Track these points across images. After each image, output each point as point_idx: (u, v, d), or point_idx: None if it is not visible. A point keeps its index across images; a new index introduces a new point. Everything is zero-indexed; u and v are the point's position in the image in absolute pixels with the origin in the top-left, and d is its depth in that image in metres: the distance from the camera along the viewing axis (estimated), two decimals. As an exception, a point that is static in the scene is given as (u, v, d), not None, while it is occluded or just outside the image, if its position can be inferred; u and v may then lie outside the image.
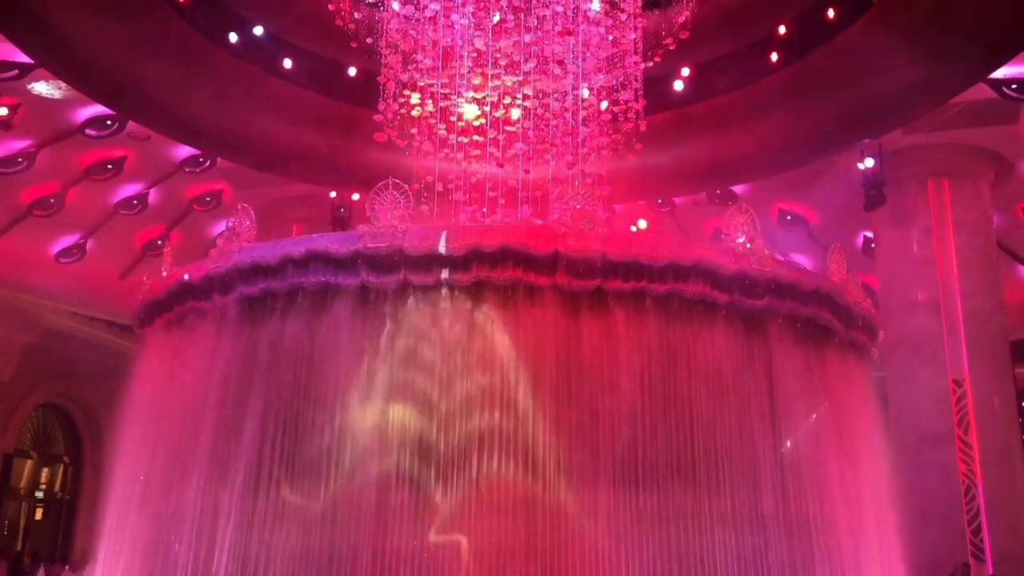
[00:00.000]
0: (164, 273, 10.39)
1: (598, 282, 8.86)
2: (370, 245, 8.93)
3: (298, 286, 9.21)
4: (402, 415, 8.68)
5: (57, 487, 25.29)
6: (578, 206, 9.13)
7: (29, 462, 24.52)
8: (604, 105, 12.92)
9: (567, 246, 8.82)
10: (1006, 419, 18.02)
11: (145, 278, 10.84)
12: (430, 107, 12.77)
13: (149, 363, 10.68)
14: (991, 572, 16.48)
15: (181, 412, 9.60)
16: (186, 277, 9.94)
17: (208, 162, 20.42)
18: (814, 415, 9.61)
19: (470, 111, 13.05)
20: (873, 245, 20.69)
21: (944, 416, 17.75)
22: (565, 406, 8.62)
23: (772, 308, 9.34)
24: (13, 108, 16.82)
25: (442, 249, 8.84)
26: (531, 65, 12.61)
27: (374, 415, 8.74)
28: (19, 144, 18.62)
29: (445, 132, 12.70)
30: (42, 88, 16.98)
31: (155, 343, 10.64)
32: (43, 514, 24.92)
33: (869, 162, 18.38)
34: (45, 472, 25.11)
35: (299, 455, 8.77)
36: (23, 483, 24.37)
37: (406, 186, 9.41)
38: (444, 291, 8.90)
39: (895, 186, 18.60)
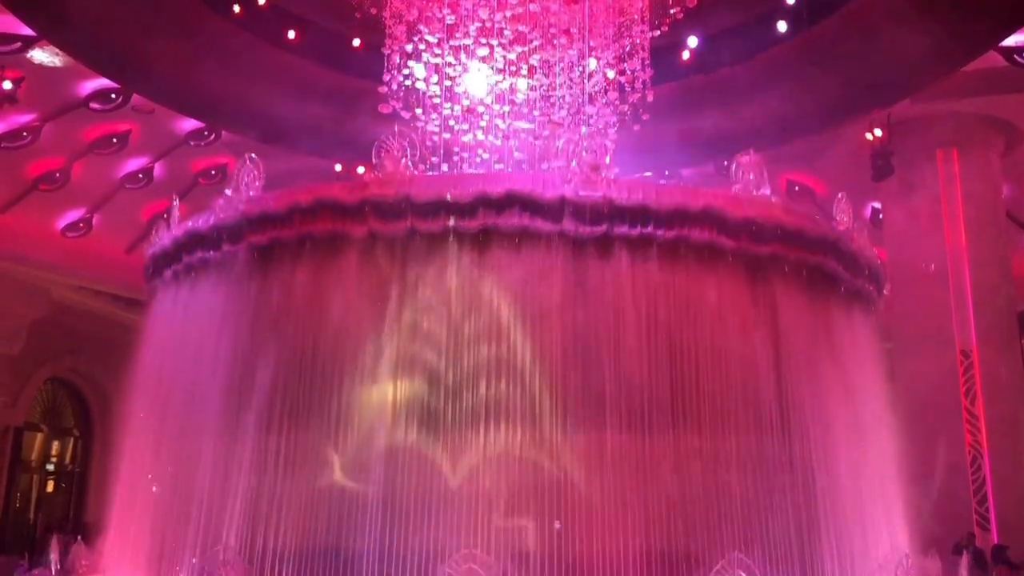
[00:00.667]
0: (174, 226, 10.40)
1: (604, 228, 8.84)
2: (377, 192, 8.94)
3: (306, 235, 9.22)
4: (411, 360, 8.73)
5: (68, 460, 25.51)
6: (584, 152, 9.10)
7: (39, 435, 24.71)
8: (611, 74, 12.84)
9: (573, 192, 8.80)
10: (1013, 390, 17.99)
11: (154, 232, 10.86)
12: (435, 82, 12.71)
13: (159, 316, 10.73)
14: (996, 542, 16.54)
15: (193, 363, 9.66)
16: (195, 227, 9.93)
17: (213, 135, 20.37)
18: (819, 362, 9.61)
19: (477, 83, 12.99)
20: (881, 216, 20.58)
21: (951, 387, 17.74)
22: (571, 351, 8.65)
23: (778, 255, 9.34)
24: (17, 82, 16.75)
25: (448, 196, 8.83)
26: (536, 38, 12.53)
27: (384, 360, 8.77)
28: (24, 118, 18.57)
29: (451, 109, 12.65)
30: (42, 56, 16.88)
31: (165, 296, 10.67)
32: (54, 486, 25.15)
33: (877, 132, 18.24)
34: (55, 445, 25.33)
35: (312, 401, 8.83)
36: (34, 456, 24.58)
37: (412, 135, 9.42)
38: (451, 238, 8.89)
39: (903, 157, 18.46)
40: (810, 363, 9.49)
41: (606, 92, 12.97)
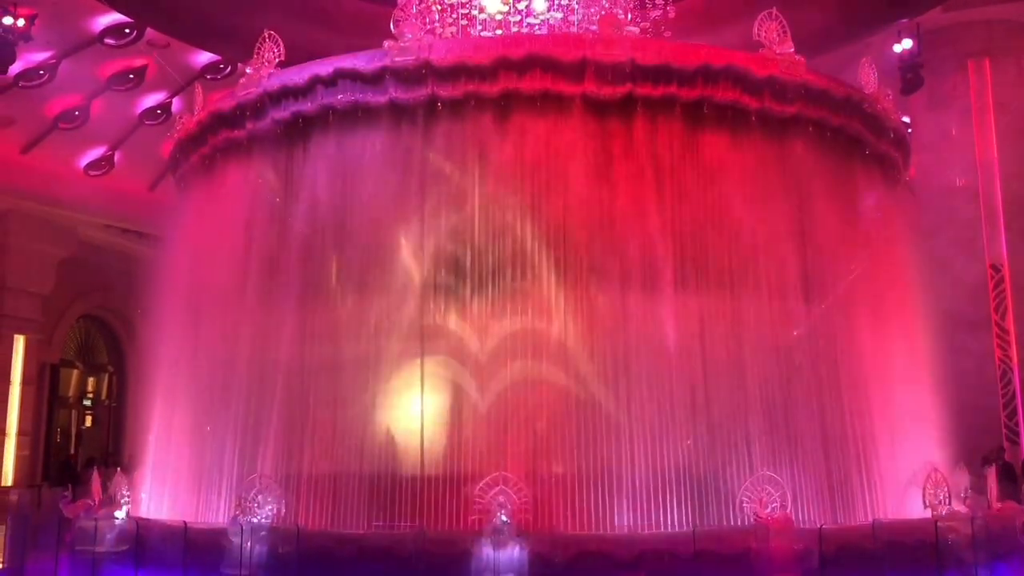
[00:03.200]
0: (198, 111, 10.42)
1: (628, 88, 8.74)
2: (397, 59, 8.86)
3: (328, 107, 9.20)
4: (436, 226, 8.82)
5: (104, 395, 26.03)
6: (604, 11, 8.92)
7: (75, 372, 25.20)
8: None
9: (595, 52, 8.67)
10: (1044, 304, 17.79)
11: (179, 118, 10.86)
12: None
13: (188, 203, 10.82)
14: (1025, 455, 16.56)
15: (226, 243, 9.80)
16: (218, 107, 9.92)
17: (229, 68, 20.14)
18: (841, 224, 9.58)
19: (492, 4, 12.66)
20: (910, 130, 20.13)
21: (981, 302, 17.56)
22: (596, 215, 8.67)
23: (802, 115, 9.22)
24: (30, 19, 16.57)
25: (469, 59, 8.72)
26: None
27: (410, 227, 8.87)
28: (39, 56, 18.44)
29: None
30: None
31: (191, 181, 10.73)
32: (92, 421, 25.74)
33: (907, 43, 17.70)
34: (91, 381, 25.83)
35: (342, 272, 8.96)
36: (71, 392, 25.10)
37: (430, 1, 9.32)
38: (472, 103, 8.81)
39: (933, 68, 17.95)
40: (834, 225, 9.45)
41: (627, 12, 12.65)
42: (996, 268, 17.73)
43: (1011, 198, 17.95)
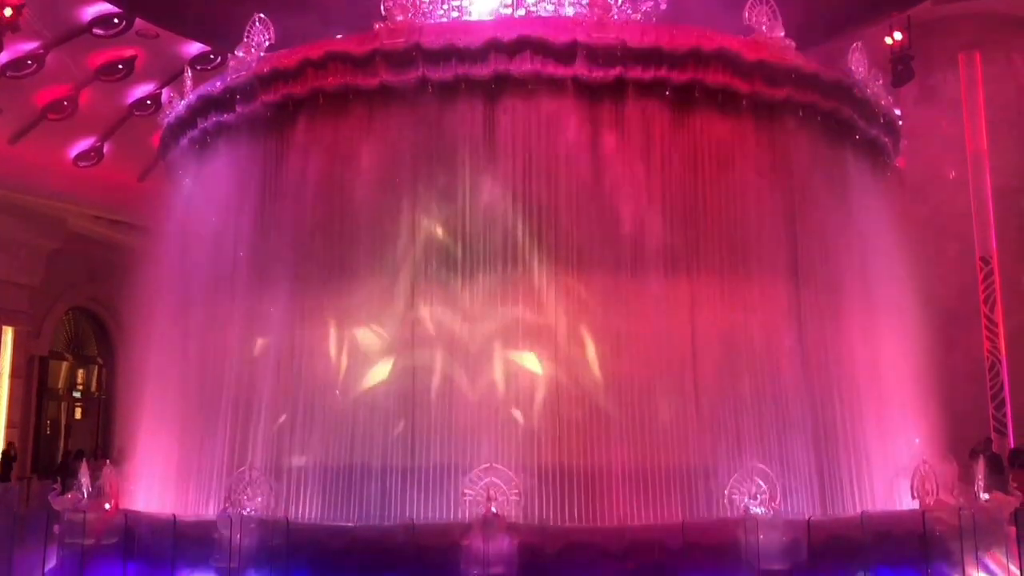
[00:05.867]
0: (187, 94, 10.37)
1: (618, 71, 8.74)
2: (387, 42, 8.83)
3: (318, 89, 9.17)
4: (427, 207, 8.87)
5: (93, 387, 25.94)
6: None
7: (65, 364, 25.10)
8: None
9: (586, 35, 8.66)
10: (1033, 296, 17.89)
11: (167, 97, 10.79)
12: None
13: (179, 186, 10.78)
14: (1012, 446, 16.65)
15: (217, 223, 9.78)
16: (208, 90, 9.87)
17: (219, 58, 20.02)
18: (831, 210, 9.61)
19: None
20: (900, 123, 20.15)
21: (970, 294, 17.64)
22: (586, 196, 8.69)
23: (793, 99, 9.23)
24: (18, 8, 16.44)
25: (459, 42, 8.71)
26: None
27: (402, 207, 8.91)
28: (28, 46, 18.31)
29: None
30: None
31: (181, 166, 10.68)
32: (82, 413, 25.65)
33: (897, 36, 17.72)
34: (81, 373, 25.73)
35: (334, 256, 9.02)
36: (60, 384, 25.01)
37: None
38: (463, 86, 8.80)
39: (924, 61, 17.99)
40: (823, 209, 9.48)
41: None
42: (985, 260, 17.81)
43: (1001, 191, 18.03)
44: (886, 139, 10.45)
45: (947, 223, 18.01)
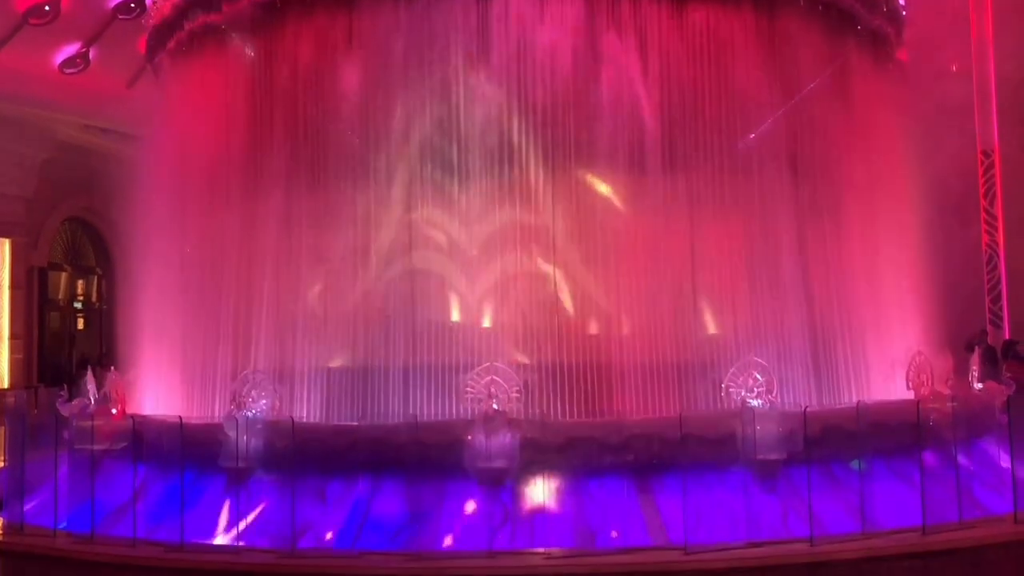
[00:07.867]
0: None
1: None
2: None
3: None
4: (421, 110, 8.80)
5: (94, 298, 26.04)
6: None
7: (64, 274, 25.13)
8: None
9: None
10: (1033, 189, 17.79)
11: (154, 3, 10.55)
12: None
13: (168, 90, 10.63)
14: (1007, 338, 16.83)
15: (208, 127, 9.66)
16: None
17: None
18: (832, 104, 9.49)
19: None
20: (904, 13, 19.66)
21: (970, 187, 17.55)
22: (583, 94, 8.58)
23: None
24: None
25: None
26: None
27: (395, 110, 8.82)
28: (4, -52, 17.74)
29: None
30: None
31: (169, 70, 10.51)
32: (84, 323, 25.82)
33: (902, -81, 17.10)
34: (80, 284, 25.79)
35: (330, 159, 8.96)
36: (61, 295, 25.10)
37: None
38: None
39: (929, -57, 17.43)
40: (824, 107, 9.38)
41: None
42: (987, 153, 17.65)
43: (1004, 81, 17.72)
44: (889, 29, 10.20)
45: (949, 114, 17.75)
